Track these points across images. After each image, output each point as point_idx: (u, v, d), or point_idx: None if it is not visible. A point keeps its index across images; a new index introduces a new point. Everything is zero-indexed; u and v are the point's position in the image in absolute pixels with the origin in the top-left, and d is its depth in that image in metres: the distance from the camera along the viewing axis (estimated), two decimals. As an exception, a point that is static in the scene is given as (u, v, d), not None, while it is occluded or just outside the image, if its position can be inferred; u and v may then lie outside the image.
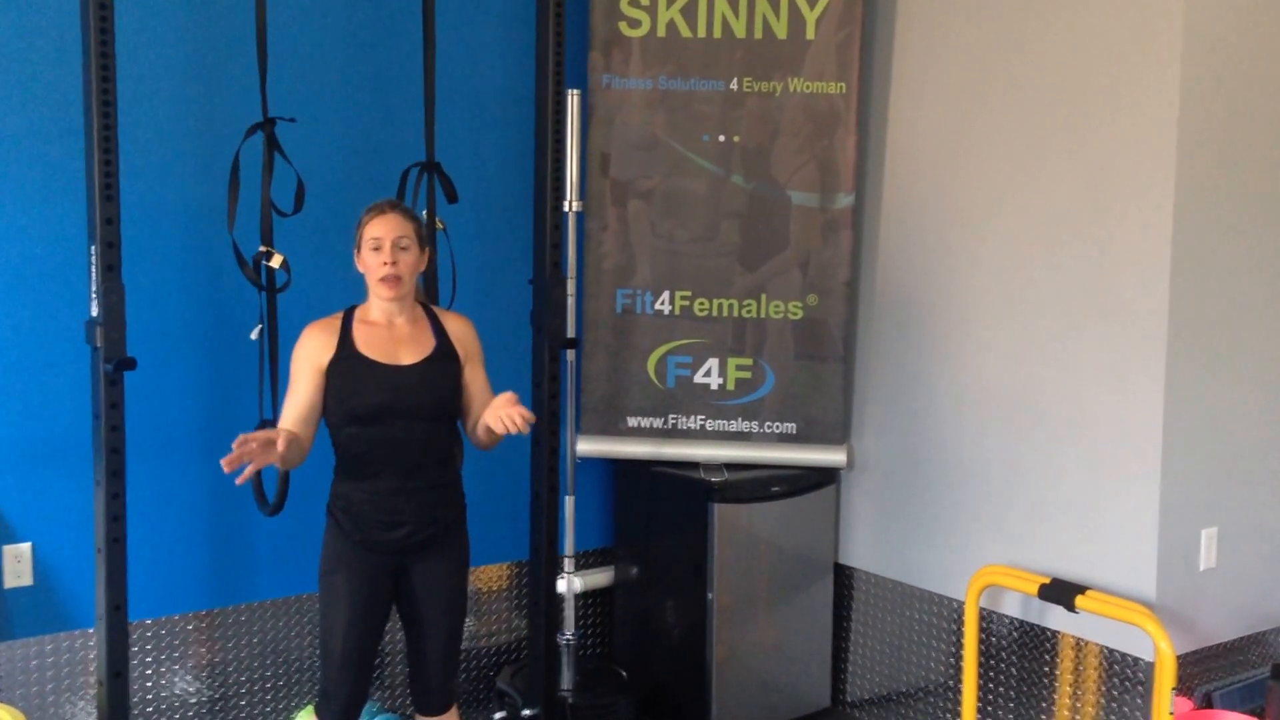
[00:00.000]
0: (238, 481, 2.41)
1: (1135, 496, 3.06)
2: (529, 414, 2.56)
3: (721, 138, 3.64)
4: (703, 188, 3.66)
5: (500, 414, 2.55)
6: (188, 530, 3.23)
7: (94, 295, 2.68)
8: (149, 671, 3.21)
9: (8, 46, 2.93)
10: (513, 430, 2.56)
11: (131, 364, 2.68)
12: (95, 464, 2.73)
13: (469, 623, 3.63)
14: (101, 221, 2.66)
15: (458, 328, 2.77)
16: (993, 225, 3.40)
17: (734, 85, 3.63)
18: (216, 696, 3.31)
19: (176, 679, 3.25)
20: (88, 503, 2.81)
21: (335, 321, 2.69)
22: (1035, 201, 3.29)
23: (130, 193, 2.87)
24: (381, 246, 2.63)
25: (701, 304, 3.70)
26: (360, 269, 2.69)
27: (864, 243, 3.77)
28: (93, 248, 2.67)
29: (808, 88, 3.63)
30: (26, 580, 3.01)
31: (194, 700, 3.28)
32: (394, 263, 2.62)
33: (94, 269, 2.67)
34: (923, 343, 3.61)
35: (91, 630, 3.04)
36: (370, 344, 2.66)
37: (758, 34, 3.62)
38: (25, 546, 3.02)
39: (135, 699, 3.15)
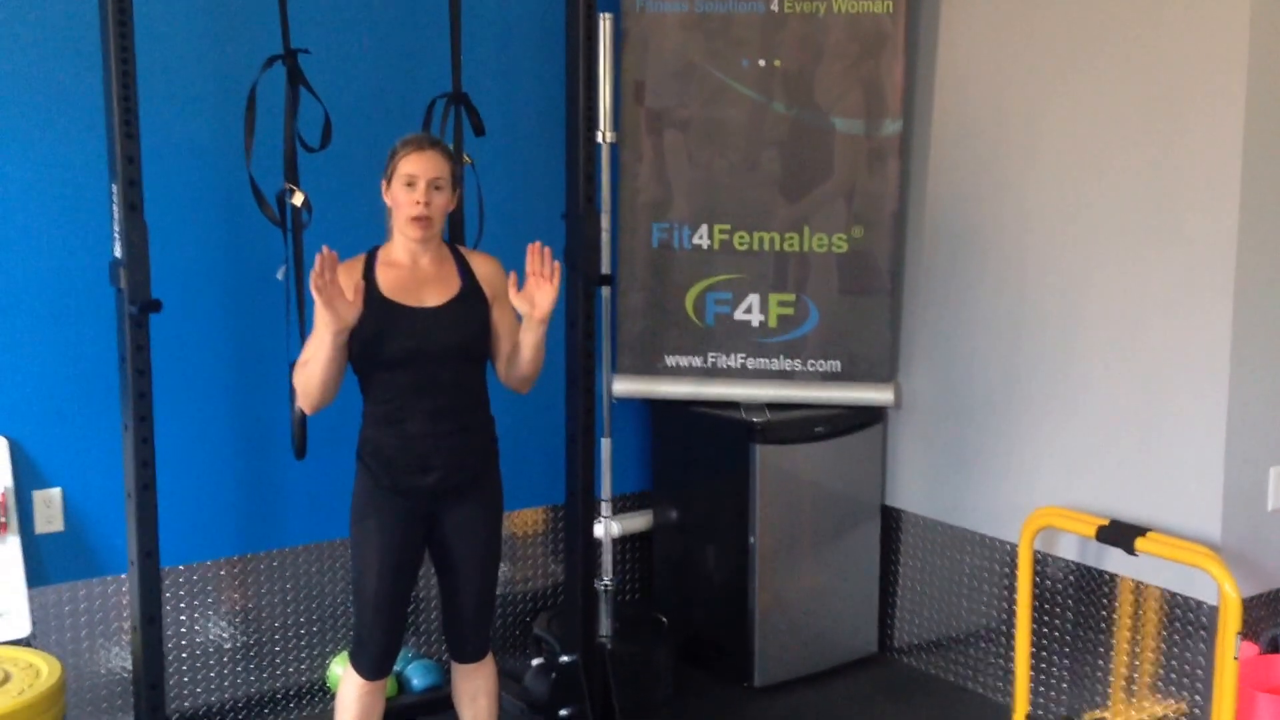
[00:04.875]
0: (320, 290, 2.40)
1: (1199, 433, 2.96)
2: (551, 267, 2.56)
3: (761, 62, 3.52)
4: (742, 115, 3.56)
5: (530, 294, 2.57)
6: (218, 475, 3.22)
7: (116, 235, 2.64)
8: (182, 617, 3.21)
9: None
10: (549, 289, 2.55)
11: (157, 306, 2.65)
12: (123, 408, 2.71)
13: (504, 568, 3.62)
14: (123, 159, 2.62)
15: (485, 267, 2.70)
16: (1048, 150, 3.28)
17: (774, 6, 3.51)
18: (251, 642, 3.31)
19: (210, 625, 3.26)
20: (116, 447, 2.79)
21: (358, 264, 2.63)
22: (1094, 124, 3.16)
23: (152, 130, 2.81)
24: (416, 184, 2.56)
25: (741, 237, 3.59)
26: (388, 202, 2.62)
27: (912, 172, 3.66)
28: (114, 186, 2.63)
29: (853, 8, 3.50)
30: (58, 526, 3.01)
31: (228, 646, 3.28)
32: (427, 203, 2.56)
33: (116, 208, 2.63)
34: (974, 276, 3.50)
35: (124, 576, 3.03)
36: (394, 286, 2.60)
37: (799, -49, 3.48)
38: (55, 492, 3.01)
39: (169, 644, 3.16)
